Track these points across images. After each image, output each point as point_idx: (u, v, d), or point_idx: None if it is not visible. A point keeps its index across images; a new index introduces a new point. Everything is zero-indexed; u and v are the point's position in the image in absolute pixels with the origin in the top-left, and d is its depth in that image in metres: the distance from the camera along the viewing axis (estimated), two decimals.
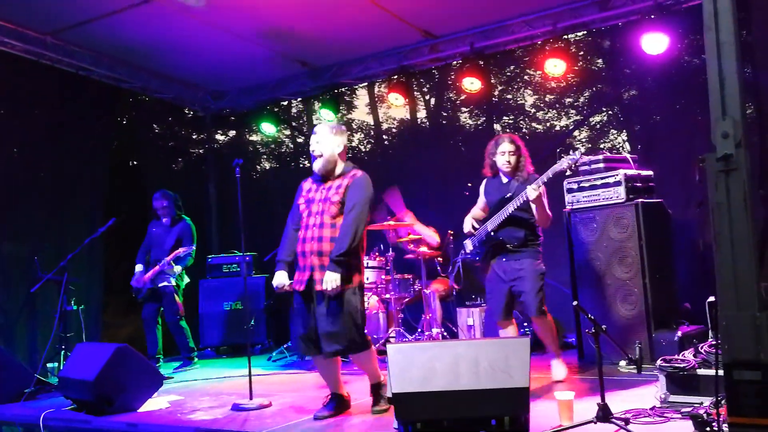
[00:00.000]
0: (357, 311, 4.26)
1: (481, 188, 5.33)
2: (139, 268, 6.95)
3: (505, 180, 5.10)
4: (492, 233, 5.02)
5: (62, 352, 6.35)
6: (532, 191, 4.65)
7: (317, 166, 4.40)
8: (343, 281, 4.14)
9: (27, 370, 5.86)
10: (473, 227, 5.19)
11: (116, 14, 6.66)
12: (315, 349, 4.28)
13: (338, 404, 4.43)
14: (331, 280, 4.11)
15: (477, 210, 5.31)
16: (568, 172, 4.73)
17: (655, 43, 6.46)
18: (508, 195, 4.97)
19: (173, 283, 6.85)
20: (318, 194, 4.39)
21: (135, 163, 10.03)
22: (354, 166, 4.50)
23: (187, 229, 7.06)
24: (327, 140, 4.39)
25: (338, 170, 4.42)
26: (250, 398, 4.83)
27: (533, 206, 4.85)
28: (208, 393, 5.62)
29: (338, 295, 4.15)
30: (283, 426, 4.17)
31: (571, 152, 4.67)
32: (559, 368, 5.08)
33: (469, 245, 5.29)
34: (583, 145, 7.64)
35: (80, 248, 6.64)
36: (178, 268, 6.84)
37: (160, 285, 6.85)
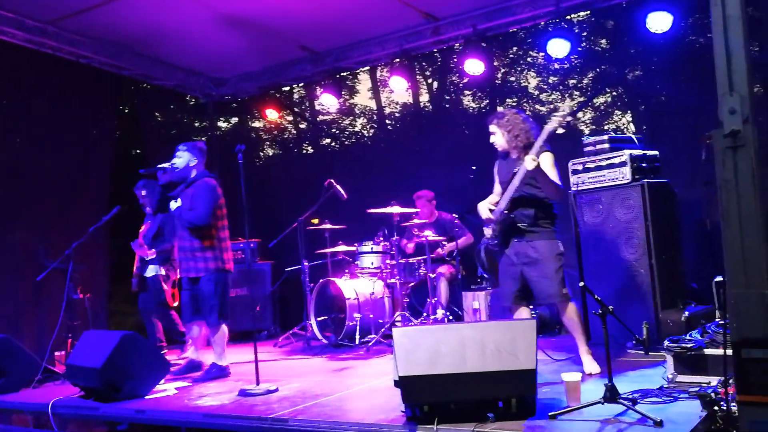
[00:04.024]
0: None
1: (495, 170, 5.03)
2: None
3: (514, 156, 4.79)
4: (506, 212, 4.68)
5: (69, 341, 6.37)
6: (529, 162, 4.36)
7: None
8: None
9: (35, 359, 5.88)
10: (489, 210, 4.84)
11: (116, 1, 6.62)
12: None
13: None
14: None
15: (493, 196, 4.97)
16: (560, 130, 4.50)
17: (659, 21, 6.40)
18: (515, 170, 4.62)
19: (161, 272, 6.75)
20: None
21: (138, 151, 9.99)
22: None
23: (167, 216, 6.70)
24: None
25: None
26: (257, 384, 4.84)
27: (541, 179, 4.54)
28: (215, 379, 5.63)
29: None
30: (290, 410, 4.18)
31: (556, 111, 4.46)
32: (591, 364, 4.64)
33: (488, 231, 4.90)
34: (587, 127, 7.59)
35: (85, 237, 6.58)
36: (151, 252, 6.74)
37: (146, 275, 6.82)
